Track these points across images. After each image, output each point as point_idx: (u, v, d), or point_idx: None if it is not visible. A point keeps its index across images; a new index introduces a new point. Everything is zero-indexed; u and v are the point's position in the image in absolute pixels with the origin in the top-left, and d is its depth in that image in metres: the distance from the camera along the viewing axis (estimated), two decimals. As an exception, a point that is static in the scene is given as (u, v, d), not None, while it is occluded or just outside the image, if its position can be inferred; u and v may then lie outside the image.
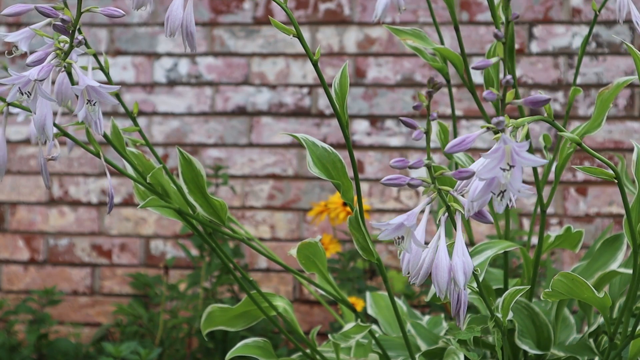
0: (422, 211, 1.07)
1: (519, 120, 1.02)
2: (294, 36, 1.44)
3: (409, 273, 1.10)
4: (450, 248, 1.07)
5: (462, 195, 1.07)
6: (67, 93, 1.35)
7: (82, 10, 1.34)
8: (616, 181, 1.35)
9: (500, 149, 0.98)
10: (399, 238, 1.06)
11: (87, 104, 1.33)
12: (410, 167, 1.03)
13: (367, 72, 2.85)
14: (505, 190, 1.00)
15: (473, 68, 0.99)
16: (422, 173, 2.80)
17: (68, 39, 1.33)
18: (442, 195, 1.04)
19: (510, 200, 1.06)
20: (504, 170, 0.99)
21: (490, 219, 1.06)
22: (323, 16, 2.88)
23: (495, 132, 1.01)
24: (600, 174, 1.31)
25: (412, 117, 2.84)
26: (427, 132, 1.02)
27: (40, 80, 1.30)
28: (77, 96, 1.35)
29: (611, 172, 1.33)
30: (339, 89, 1.52)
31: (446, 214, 1.08)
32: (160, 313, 2.62)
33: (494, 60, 1.00)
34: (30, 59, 1.30)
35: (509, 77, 0.99)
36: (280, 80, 2.88)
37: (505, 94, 0.99)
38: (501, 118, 0.98)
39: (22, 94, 1.31)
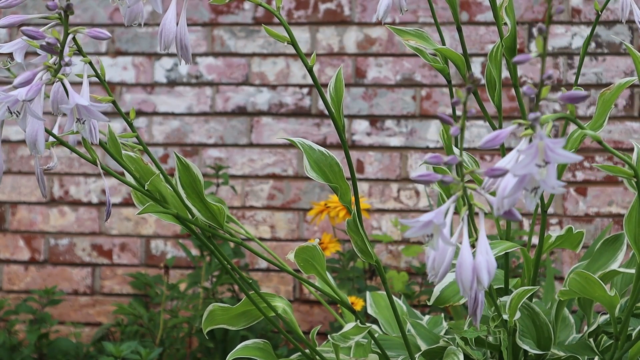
0: (448, 209, 1.06)
1: (544, 117, 1.03)
2: (288, 43, 1.44)
3: (433, 270, 1.09)
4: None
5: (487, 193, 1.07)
6: (62, 102, 1.30)
7: (68, 31, 1.29)
8: (634, 180, 1.35)
9: (534, 145, 0.98)
10: (427, 235, 1.05)
11: (76, 122, 1.28)
12: (446, 164, 1.03)
13: (367, 72, 2.86)
14: (538, 187, 1.01)
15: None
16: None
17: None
18: (465, 193, 1.04)
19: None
20: (539, 166, 0.99)
21: (519, 217, 1.05)
22: (323, 16, 2.88)
23: (526, 128, 1.02)
24: (619, 172, 1.31)
25: (412, 116, 2.84)
26: (462, 129, 1.02)
27: (29, 100, 1.24)
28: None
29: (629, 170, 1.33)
30: (334, 94, 1.52)
31: (468, 211, 1.08)
32: (160, 313, 2.62)
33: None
34: (17, 80, 1.24)
35: (549, 72, 1.01)
36: (281, 80, 2.89)
37: (541, 90, 1.00)
38: (537, 114, 0.99)
39: (11, 114, 1.26)
